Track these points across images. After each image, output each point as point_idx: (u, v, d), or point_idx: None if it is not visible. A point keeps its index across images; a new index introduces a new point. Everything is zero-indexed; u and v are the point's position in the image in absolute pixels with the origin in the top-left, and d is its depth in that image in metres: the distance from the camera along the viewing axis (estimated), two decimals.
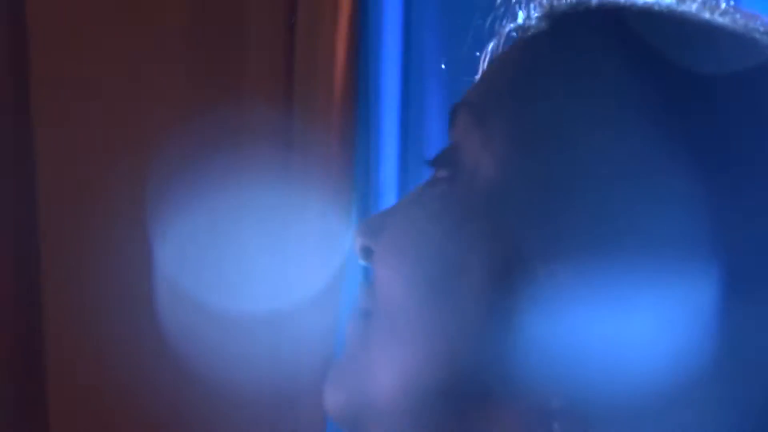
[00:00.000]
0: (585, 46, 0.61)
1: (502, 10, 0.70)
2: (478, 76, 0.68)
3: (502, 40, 0.69)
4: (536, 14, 0.67)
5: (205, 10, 1.53)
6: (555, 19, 0.64)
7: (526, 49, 0.65)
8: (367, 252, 0.66)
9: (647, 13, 0.62)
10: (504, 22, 0.70)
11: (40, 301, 1.57)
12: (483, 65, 0.69)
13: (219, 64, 1.52)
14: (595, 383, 0.56)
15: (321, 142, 1.44)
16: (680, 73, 0.58)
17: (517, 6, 0.69)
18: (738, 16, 0.62)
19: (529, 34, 0.66)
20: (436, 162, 0.64)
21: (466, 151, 0.63)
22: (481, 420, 0.60)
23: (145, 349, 1.51)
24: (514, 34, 0.68)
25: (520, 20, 0.68)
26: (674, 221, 0.57)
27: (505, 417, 0.59)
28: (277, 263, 1.45)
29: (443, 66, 1.43)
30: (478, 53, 0.70)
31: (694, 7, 0.62)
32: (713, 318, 0.56)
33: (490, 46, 0.70)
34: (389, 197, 1.44)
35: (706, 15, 0.62)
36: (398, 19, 1.46)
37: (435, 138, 1.42)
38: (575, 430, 0.57)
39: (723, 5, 0.63)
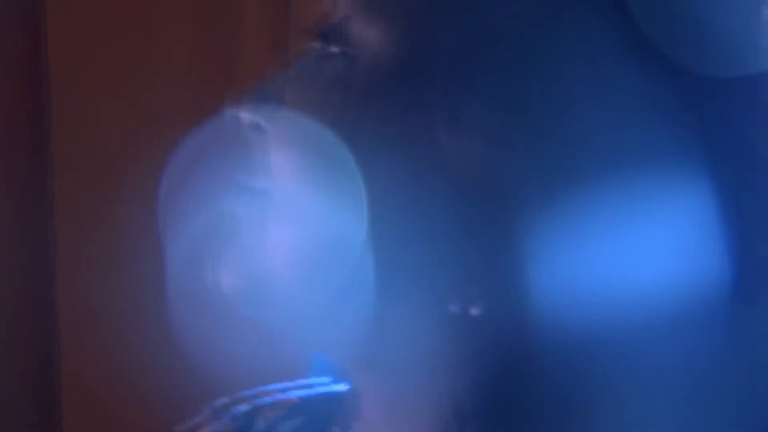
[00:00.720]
0: None
1: None
2: None
3: None
4: None
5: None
6: None
7: None
8: (256, 126, 0.64)
9: None
10: None
11: (56, 305, 1.57)
12: None
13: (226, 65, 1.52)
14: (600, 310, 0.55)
15: None
16: None
17: None
18: None
19: None
20: (327, 36, 0.62)
21: (363, 27, 0.61)
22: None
23: (158, 351, 1.51)
24: None
25: None
26: (661, 133, 0.57)
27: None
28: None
29: None
30: None
31: None
32: (716, 236, 0.56)
33: None
34: None
35: None
36: None
37: None
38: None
39: None
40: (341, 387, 0.72)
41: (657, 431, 0.56)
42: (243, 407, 0.75)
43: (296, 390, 0.74)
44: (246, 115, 0.65)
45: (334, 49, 0.62)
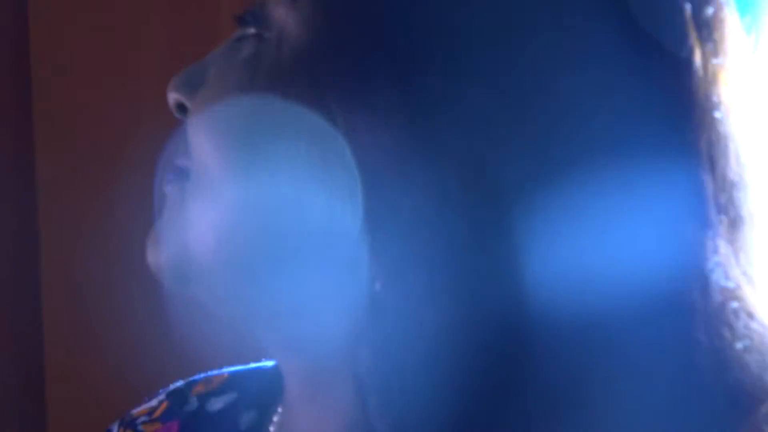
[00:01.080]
0: None
1: None
2: None
3: None
4: None
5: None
6: None
7: None
8: (182, 108, 0.65)
9: None
10: None
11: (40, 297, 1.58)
12: None
13: None
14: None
15: None
16: None
17: None
18: None
19: None
20: (244, 19, 0.63)
21: (274, 8, 0.62)
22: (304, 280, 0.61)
23: (146, 344, 1.51)
24: None
25: None
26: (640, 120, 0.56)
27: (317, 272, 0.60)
28: None
29: None
30: None
31: None
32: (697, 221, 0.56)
33: None
34: None
35: None
36: None
37: None
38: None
39: None
40: (271, 363, 0.73)
41: (649, 422, 0.55)
42: (178, 384, 0.76)
43: (229, 367, 0.76)
44: (172, 95, 0.66)
45: (250, 30, 0.63)
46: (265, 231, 0.61)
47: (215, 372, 0.76)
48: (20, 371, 1.59)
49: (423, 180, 0.56)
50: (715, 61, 0.58)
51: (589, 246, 0.55)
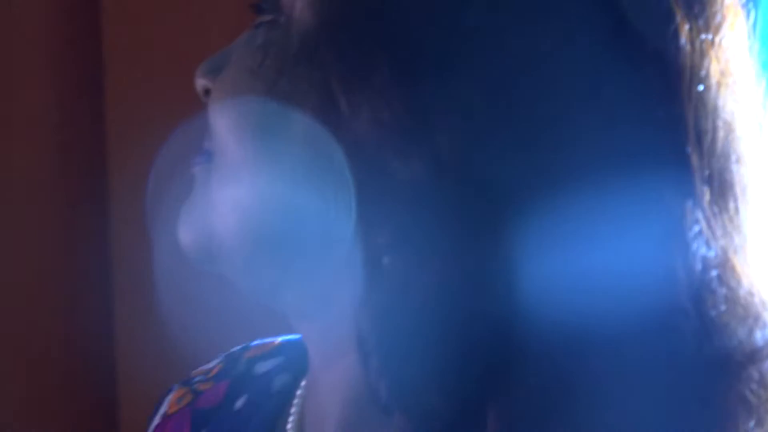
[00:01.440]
0: None
1: None
2: None
3: None
4: None
5: None
6: None
7: None
8: (208, 93, 0.69)
9: None
10: None
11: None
12: None
13: None
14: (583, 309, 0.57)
15: None
16: None
17: None
18: None
19: None
20: (260, 6, 0.66)
21: None
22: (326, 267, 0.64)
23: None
24: None
25: None
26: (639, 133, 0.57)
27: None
28: None
29: None
30: None
31: None
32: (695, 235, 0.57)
33: None
34: None
35: None
36: None
37: None
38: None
39: None
40: None
41: (638, 428, 0.56)
42: (235, 348, 0.82)
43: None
44: (199, 81, 0.69)
45: (266, 17, 0.66)
46: (279, 212, 0.64)
47: (270, 339, 0.81)
48: (91, 375, 1.60)
49: (418, 153, 0.58)
50: (704, 36, 0.59)
51: (577, 229, 0.57)
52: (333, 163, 0.61)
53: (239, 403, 0.77)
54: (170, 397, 0.82)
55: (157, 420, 0.82)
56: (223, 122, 0.66)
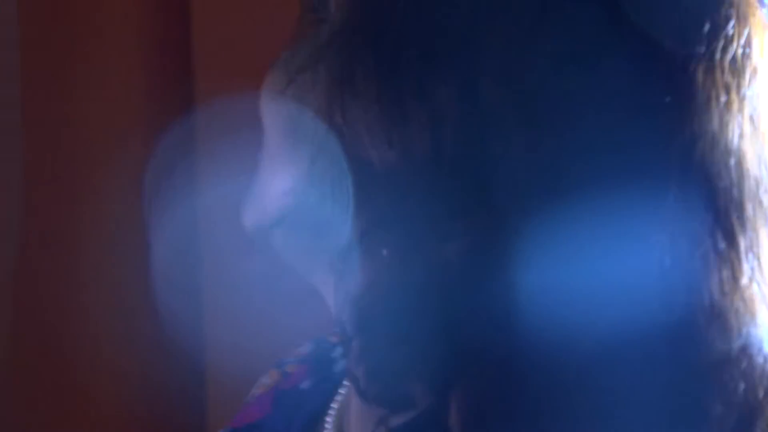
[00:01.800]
0: None
1: None
2: None
3: None
4: None
5: None
6: None
7: None
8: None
9: None
10: None
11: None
12: None
13: None
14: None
15: None
16: None
17: None
18: None
19: None
20: (307, 4, 0.67)
21: None
22: None
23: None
24: None
25: None
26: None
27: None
28: None
29: None
30: None
31: None
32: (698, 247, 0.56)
33: None
34: None
35: None
36: None
37: None
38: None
39: None
40: None
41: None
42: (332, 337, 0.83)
43: None
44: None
45: (316, 16, 0.66)
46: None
47: None
48: (181, 369, 1.61)
49: (420, 137, 0.58)
50: (724, 46, 0.58)
51: (577, 229, 0.56)
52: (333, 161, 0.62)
53: (306, 384, 0.80)
54: (263, 380, 0.85)
55: (248, 399, 0.84)
56: (264, 115, 0.69)
